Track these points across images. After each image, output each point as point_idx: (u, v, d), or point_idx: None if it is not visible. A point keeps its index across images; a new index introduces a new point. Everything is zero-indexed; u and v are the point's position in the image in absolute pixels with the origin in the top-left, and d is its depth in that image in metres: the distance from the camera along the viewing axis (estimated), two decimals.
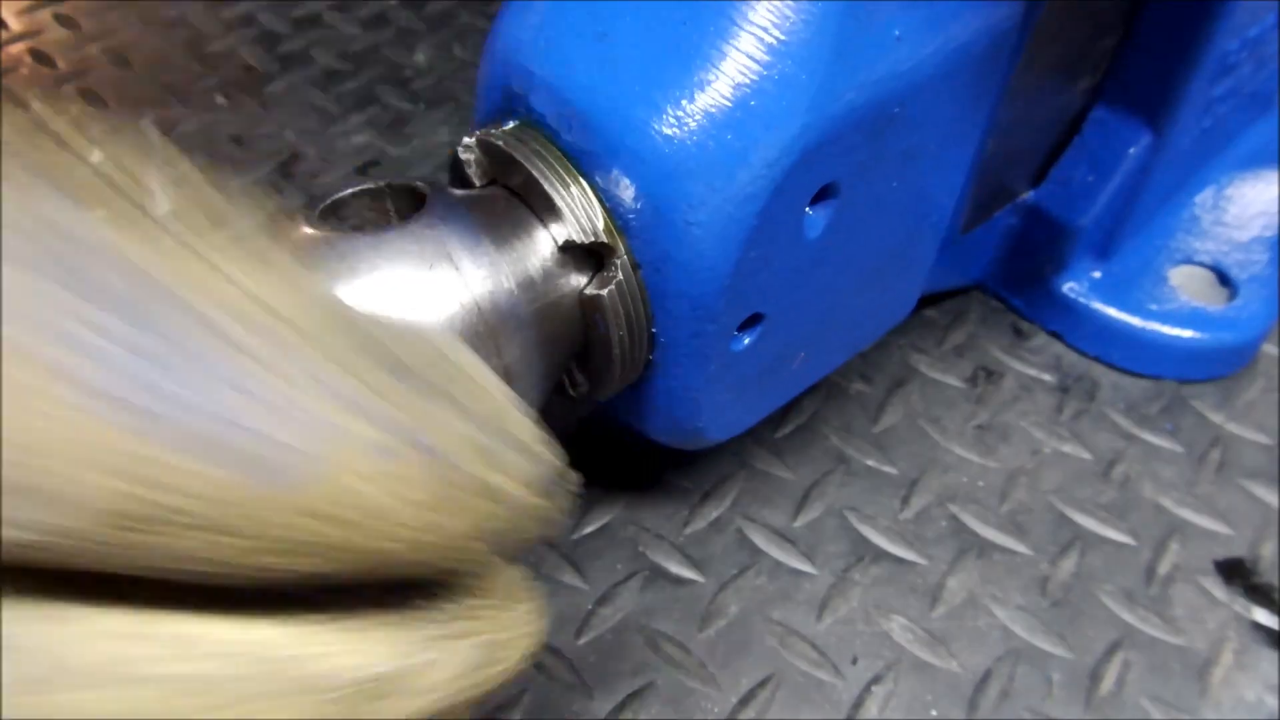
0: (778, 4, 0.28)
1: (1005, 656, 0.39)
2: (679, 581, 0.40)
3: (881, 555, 0.42)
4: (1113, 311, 0.49)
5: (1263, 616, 0.41)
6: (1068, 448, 0.46)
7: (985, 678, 0.38)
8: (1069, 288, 0.50)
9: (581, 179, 0.31)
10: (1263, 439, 0.47)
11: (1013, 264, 0.51)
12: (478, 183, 0.32)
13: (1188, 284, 0.50)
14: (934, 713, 0.37)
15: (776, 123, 0.29)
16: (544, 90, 0.31)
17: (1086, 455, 0.46)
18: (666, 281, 0.31)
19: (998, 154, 0.42)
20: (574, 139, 0.31)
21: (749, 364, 0.35)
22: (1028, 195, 0.49)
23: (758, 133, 0.29)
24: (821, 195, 0.32)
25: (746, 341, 0.34)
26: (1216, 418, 0.48)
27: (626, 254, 0.31)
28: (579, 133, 0.31)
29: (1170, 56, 0.44)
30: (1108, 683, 0.39)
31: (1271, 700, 0.38)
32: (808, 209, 0.32)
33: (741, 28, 0.29)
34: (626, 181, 0.30)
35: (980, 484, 0.45)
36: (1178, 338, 0.49)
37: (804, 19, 0.28)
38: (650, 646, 0.38)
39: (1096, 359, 0.50)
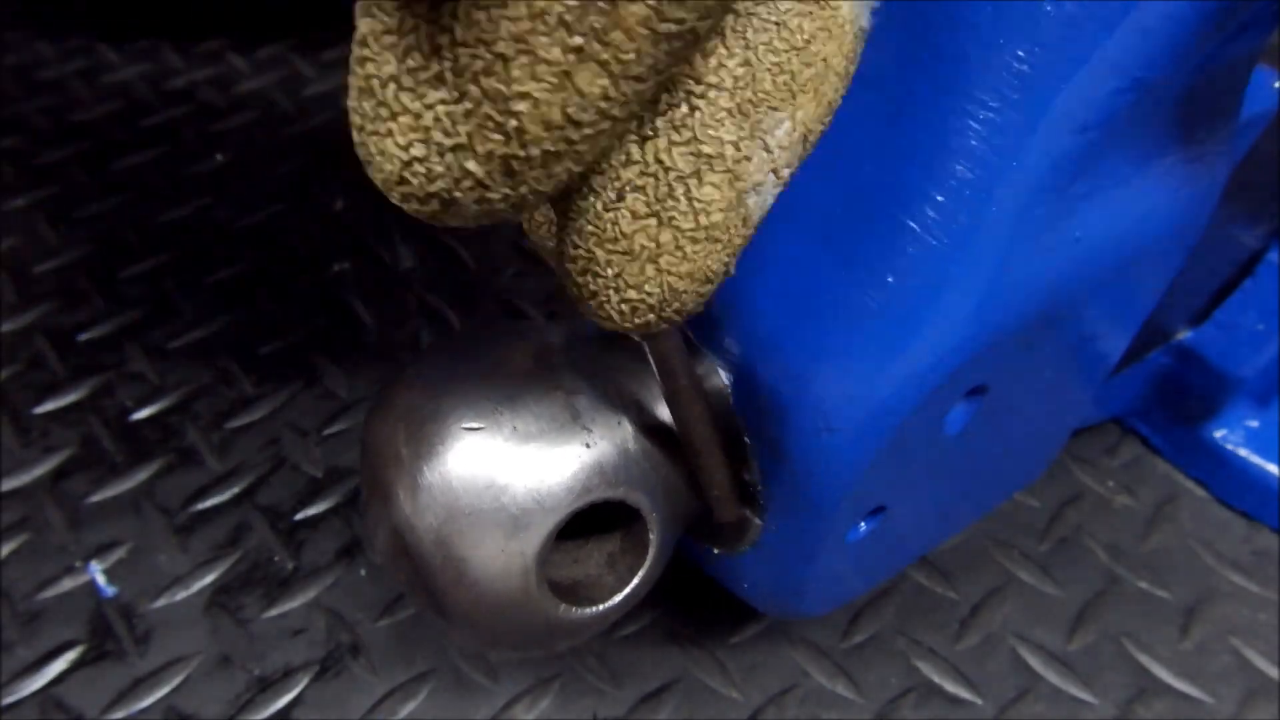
0: (943, 200, 0.24)
1: None
2: (955, 701, 0.38)
3: (1165, 690, 0.38)
4: (1271, 467, 0.44)
5: None
6: None
7: None
8: (1220, 435, 0.45)
9: (701, 350, 0.28)
10: None
11: (1158, 403, 0.46)
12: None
13: None
14: None
15: (929, 335, 0.25)
16: None
17: None
18: (781, 473, 0.28)
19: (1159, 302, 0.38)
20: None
21: (863, 549, 0.31)
22: (1185, 335, 0.44)
23: (907, 343, 0.25)
24: (967, 393, 0.28)
25: (863, 529, 0.30)
26: None
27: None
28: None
29: None
30: None
31: None
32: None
33: (898, 225, 0.25)
34: (749, 371, 0.27)
35: (1261, 617, 0.41)
36: None
37: (971, 222, 0.24)
38: None
39: (1244, 514, 0.45)
